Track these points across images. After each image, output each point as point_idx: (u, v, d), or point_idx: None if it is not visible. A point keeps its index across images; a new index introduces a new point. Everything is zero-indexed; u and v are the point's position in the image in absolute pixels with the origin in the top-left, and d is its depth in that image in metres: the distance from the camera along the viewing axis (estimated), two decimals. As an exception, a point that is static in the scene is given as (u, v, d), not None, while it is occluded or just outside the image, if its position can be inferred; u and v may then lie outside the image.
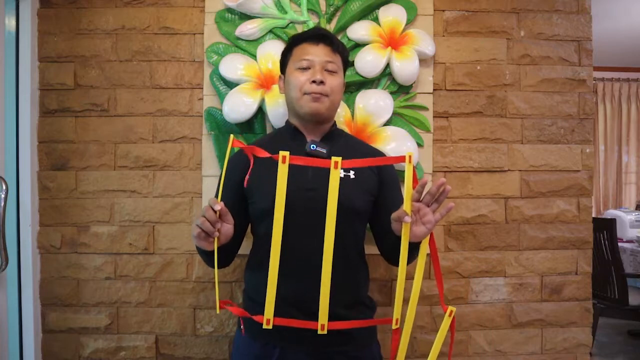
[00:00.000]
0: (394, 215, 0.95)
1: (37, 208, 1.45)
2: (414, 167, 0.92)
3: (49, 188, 1.46)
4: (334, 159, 0.91)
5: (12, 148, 1.41)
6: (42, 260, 1.46)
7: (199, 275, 1.46)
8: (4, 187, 1.10)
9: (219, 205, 0.91)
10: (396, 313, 0.93)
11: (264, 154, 0.94)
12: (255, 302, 1.06)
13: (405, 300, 0.92)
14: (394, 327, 0.94)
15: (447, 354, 1.02)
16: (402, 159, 0.90)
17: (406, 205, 0.89)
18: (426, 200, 0.92)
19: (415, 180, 0.93)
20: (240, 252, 1.15)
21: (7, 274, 1.36)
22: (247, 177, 1.01)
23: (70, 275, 1.46)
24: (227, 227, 0.96)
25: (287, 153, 0.90)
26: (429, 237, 0.94)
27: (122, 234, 1.46)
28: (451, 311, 0.95)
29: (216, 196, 1.04)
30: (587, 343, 1.54)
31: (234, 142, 0.91)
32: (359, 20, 1.45)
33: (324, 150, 1.07)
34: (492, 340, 1.51)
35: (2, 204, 1.09)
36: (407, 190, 0.89)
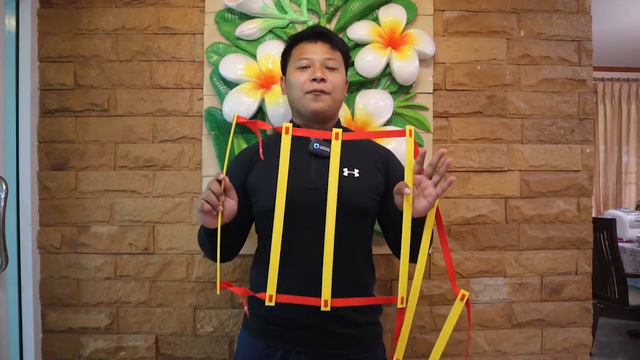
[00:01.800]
0: (395, 188, 0.94)
1: (37, 208, 1.45)
2: (415, 141, 0.92)
3: (49, 188, 1.46)
4: (334, 130, 0.93)
5: (12, 148, 1.41)
6: (42, 260, 1.46)
7: (199, 275, 1.46)
8: (4, 187, 1.10)
9: (222, 175, 0.92)
10: (401, 291, 0.91)
11: (267, 126, 0.98)
12: (258, 302, 1.06)
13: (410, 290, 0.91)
14: (399, 305, 0.92)
15: (450, 354, 1.00)
16: (402, 132, 0.91)
17: (407, 178, 0.90)
18: (428, 172, 0.92)
19: (416, 154, 0.93)
20: (242, 252, 1.15)
21: (7, 274, 1.36)
22: (260, 150, 1.02)
23: (70, 275, 1.46)
24: (231, 203, 0.96)
25: (290, 124, 0.92)
26: (434, 210, 0.92)
27: (122, 234, 1.46)
28: (463, 295, 0.91)
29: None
30: (587, 343, 1.54)
31: (237, 118, 0.94)
32: (359, 20, 1.45)
33: (328, 149, 1.07)
34: (492, 340, 1.51)
35: (2, 204, 1.09)
36: (407, 162, 0.90)
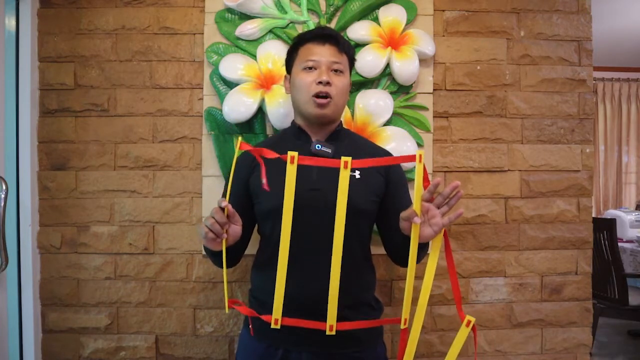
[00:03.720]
0: (403, 214, 0.94)
1: (37, 208, 1.45)
2: (424, 167, 0.91)
3: (49, 188, 1.46)
4: (343, 159, 0.90)
5: (12, 148, 1.41)
6: (42, 260, 1.46)
7: (199, 275, 1.46)
8: (4, 187, 1.10)
9: (225, 202, 0.91)
10: (405, 313, 0.91)
11: (272, 154, 0.92)
12: (259, 301, 1.06)
13: (414, 301, 0.91)
14: (402, 327, 0.93)
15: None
16: (412, 158, 0.89)
17: (416, 205, 0.89)
18: (437, 202, 0.91)
19: (426, 179, 0.92)
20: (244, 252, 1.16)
21: (7, 274, 1.36)
22: (264, 180, 0.97)
23: (70, 275, 1.46)
24: (235, 229, 0.97)
25: (295, 153, 0.89)
26: (442, 236, 0.92)
27: (122, 234, 1.46)
28: (469, 321, 0.90)
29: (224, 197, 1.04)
30: (587, 343, 1.54)
31: (241, 145, 0.91)
32: (359, 20, 1.45)
33: (329, 150, 1.07)
34: (492, 340, 1.51)
35: (2, 204, 1.09)
36: (417, 189, 0.89)
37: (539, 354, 1.52)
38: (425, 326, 1.48)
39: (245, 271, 1.45)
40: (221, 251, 0.94)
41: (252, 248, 1.16)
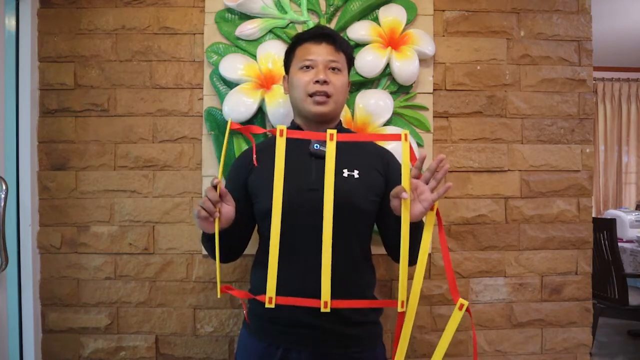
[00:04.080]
0: (392, 192, 0.94)
1: (37, 208, 1.45)
2: (410, 145, 0.92)
3: (49, 188, 1.46)
4: (329, 131, 0.92)
5: (12, 148, 1.41)
6: (42, 260, 1.46)
7: (199, 275, 1.46)
8: (3, 187, 1.10)
9: (217, 180, 0.92)
10: (401, 295, 0.90)
11: (260, 130, 0.97)
12: (259, 302, 1.06)
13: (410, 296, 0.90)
14: (399, 309, 0.91)
15: (451, 354, 0.99)
16: (398, 137, 0.91)
17: (404, 182, 0.90)
18: (425, 177, 0.92)
19: (413, 158, 0.93)
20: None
21: (7, 274, 1.36)
22: (254, 156, 1.00)
23: (70, 275, 1.46)
24: (228, 208, 0.97)
25: (283, 127, 0.92)
26: (433, 213, 0.92)
27: (122, 234, 1.46)
28: (462, 305, 0.88)
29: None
30: (587, 343, 1.54)
31: (231, 125, 0.94)
32: (359, 20, 1.45)
33: None
34: (492, 340, 1.51)
35: (2, 204, 1.09)
36: (404, 166, 0.90)
37: (539, 354, 1.52)
38: (425, 326, 1.48)
39: (245, 271, 1.45)
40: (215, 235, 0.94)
41: (251, 248, 1.16)
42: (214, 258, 1.04)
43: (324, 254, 0.90)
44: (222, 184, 0.95)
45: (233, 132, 1.42)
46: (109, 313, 1.46)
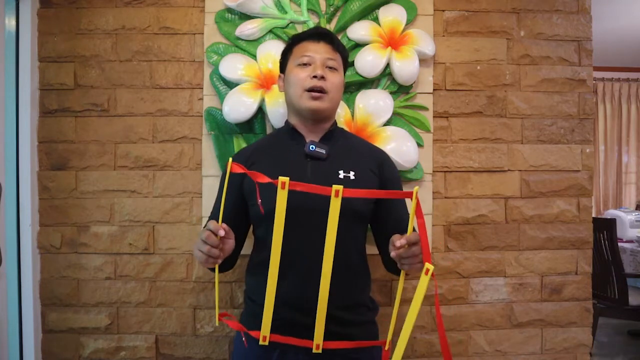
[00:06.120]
0: (392, 249, 0.91)
1: (37, 208, 1.45)
2: (418, 202, 0.86)
3: (49, 188, 1.46)
4: (334, 187, 0.87)
5: (12, 148, 1.41)
6: (42, 260, 1.46)
7: (199, 275, 1.46)
8: None
9: (223, 232, 0.90)
10: (389, 335, 0.94)
11: (264, 179, 0.89)
12: (255, 303, 1.06)
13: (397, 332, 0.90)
14: (386, 348, 0.96)
15: (452, 354, 1.00)
16: (409, 194, 0.87)
17: (409, 232, 0.89)
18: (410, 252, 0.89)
19: (420, 215, 0.88)
20: (242, 252, 1.15)
21: (7, 274, 1.36)
22: (258, 201, 0.97)
23: (70, 275, 1.46)
24: (230, 243, 0.96)
25: (286, 179, 0.87)
26: (415, 204, 0.86)
27: (122, 234, 1.46)
28: (427, 269, 0.83)
29: (216, 214, 1.03)
30: (587, 343, 1.54)
31: (232, 167, 0.89)
32: (359, 20, 1.45)
33: (323, 151, 1.06)
34: (492, 340, 1.51)
35: None
36: (411, 222, 0.88)
37: (539, 354, 1.52)
38: (425, 326, 1.48)
39: (245, 271, 1.45)
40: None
41: (247, 248, 1.16)
42: (212, 272, 1.05)
43: (321, 297, 0.91)
44: (224, 228, 0.91)
45: (233, 131, 1.42)
46: (109, 313, 1.46)
